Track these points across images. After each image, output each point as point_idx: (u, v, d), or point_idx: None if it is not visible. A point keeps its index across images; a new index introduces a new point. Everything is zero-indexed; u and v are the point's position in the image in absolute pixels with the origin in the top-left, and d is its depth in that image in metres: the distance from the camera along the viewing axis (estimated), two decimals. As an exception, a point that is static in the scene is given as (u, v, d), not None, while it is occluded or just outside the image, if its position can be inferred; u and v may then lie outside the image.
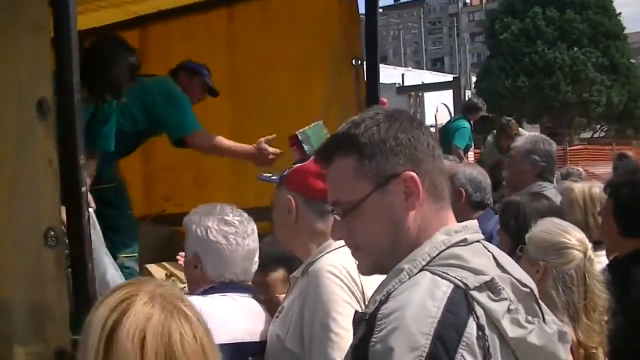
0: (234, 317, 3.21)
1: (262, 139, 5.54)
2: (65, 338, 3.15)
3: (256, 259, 3.44)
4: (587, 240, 3.45)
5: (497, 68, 39.68)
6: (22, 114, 3.14)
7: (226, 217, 3.35)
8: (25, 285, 3.16)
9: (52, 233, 3.12)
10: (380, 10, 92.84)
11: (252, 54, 6.46)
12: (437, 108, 31.86)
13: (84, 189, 3.15)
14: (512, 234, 3.99)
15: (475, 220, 2.24)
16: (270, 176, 3.33)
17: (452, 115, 22.51)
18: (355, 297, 2.91)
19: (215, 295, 3.23)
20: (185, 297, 1.87)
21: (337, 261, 2.96)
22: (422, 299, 1.92)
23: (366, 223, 2.15)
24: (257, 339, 3.23)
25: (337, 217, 2.23)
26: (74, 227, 3.17)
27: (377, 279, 2.98)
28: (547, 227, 3.48)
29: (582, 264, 3.36)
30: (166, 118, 5.75)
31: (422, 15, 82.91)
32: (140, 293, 1.74)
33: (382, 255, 2.17)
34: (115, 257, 3.75)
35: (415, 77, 42.03)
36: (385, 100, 24.26)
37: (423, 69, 63.29)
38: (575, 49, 39.30)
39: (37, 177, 3.12)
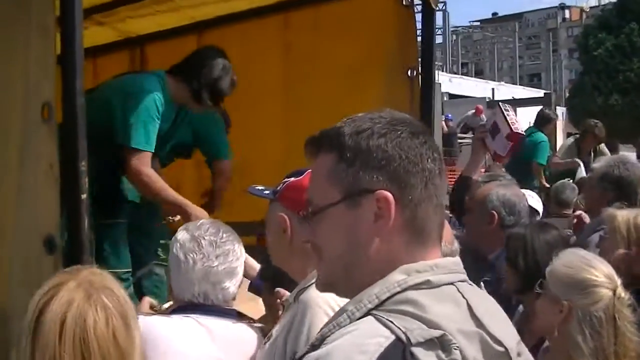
0: (190, 340, 3.01)
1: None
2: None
3: (227, 283, 3.19)
4: (616, 276, 3.04)
5: (590, 85, 38.85)
6: (28, 116, 3.09)
7: (196, 233, 3.15)
8: (23, 292, 3.09)
9: (52, 240, 3.05)
10: (478, 23, 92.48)
11: (306, 60, 6.39)
12: (530, 123, 31.42)
13: (84, 196, 3.06)
14: (520, 273, 3.65)
15: (455, 258, 1.89)
16: (263, 190, 3.10)
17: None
18: None
19: (175, 317, 3.04)
20: (115, 285, 2.01)
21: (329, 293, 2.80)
22: (351, 350, 1.62)
23: (327, 233, 1.84)
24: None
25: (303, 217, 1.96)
26: (73, 235, 3.09)
27: None
28: (570, 261, 3.09)
29: (612, 304, 2.97)
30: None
31: (517, 30, 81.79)
32: (70, 280, 1.92)
33: (335, 274, 1.87)
34: (145, 264, 3.64)
35: (507, 91, 41.60)
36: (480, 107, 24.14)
37: (516, 83, 62.55)
38: (673, 66, 38.31)
39: (39, 181, 3.07)
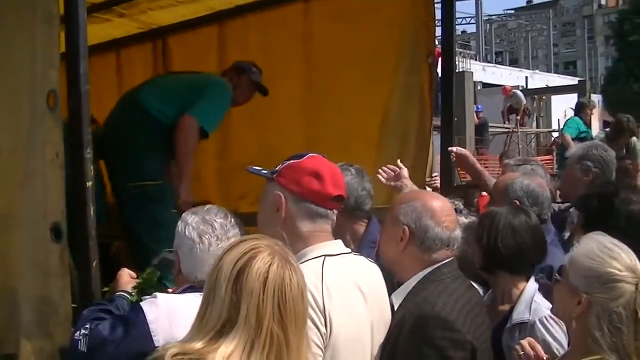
0: None
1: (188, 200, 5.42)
2: (69, 336, 3.08)
3: None
4: (639, 267, 2.87)
5: (625, 71, 38.38)
6: (34, 104, 3.10)
7: (206, 217, 3.20)
8: (31, 278, 3.12)
9: (58, 228, 3.06)
10: (512, 11, 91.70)
11: (327, 47, 6.38)
12: (565, 112, 31.15)
13: (89, 183, 3.06)
14: (483, 250, 3.67)
15: None
16: (261, 169, 3.11)
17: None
18: (313, 321, 2.72)
19: (190, 295, 3.04)
20: (291, 253, 2.39)
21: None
22: None
23: None
24: None
25: None
26: (79, 223, 3.09)
27: (348, 300, 2.85)
28: (592, 251, 2.90)
29: (633, 299, 2.81)
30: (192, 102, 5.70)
31: (551, 17, 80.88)
32: (262, 246, 2.28)
33: None
34: (157, 252, 3.66)
35: (541, 80, 41.22)
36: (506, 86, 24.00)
37: (551, 71, 61.98)
38: None
39: (46, 169, 3.08)
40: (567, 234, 4.85)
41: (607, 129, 11.97)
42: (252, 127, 6.75)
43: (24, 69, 3.13)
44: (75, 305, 3.17)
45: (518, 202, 4.21)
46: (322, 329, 2.75)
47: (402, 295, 3.10)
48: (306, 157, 3.01)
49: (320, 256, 2.88)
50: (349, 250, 3.05)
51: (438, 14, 6.05)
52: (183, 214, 3.28)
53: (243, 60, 6.25)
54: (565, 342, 3.39)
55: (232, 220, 3.24)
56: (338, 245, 3.01)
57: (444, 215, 3.18)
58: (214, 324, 2.21)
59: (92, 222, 3.09)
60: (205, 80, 5.95)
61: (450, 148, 5.31)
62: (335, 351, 2.79)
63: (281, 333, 2.21)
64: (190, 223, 3.18)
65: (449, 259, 3.17)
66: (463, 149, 5.15)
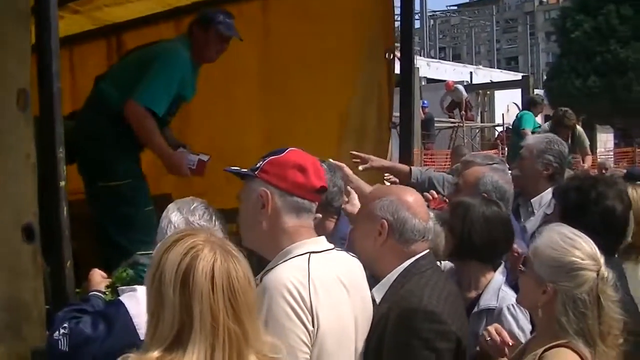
0: None
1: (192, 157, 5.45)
2: (42, 337, 3.05)
3: None
4: (599, 255, 3.03)
5: (568, 67, 38.79)
6: (3, 104, 3.04)
7: (190, 218, 3.19)
8: (1, 280, 3.06)
9: (30, 228, 3.02)
10: (455, 7, 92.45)
11: (286, 44, 6.38)
12: (508, 107, 31.51)
13: (62, 183, 3.02)
14: (455, 239, 3.77)
15: None
16: (240, 169, 3.08)
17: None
18: (301, 320, 2.73)
19: None
20: (230, 242, 2.34)
21: (289, 276, 2.78)
22: None
23: None
24: None
25: None
26: (52, 223, 3.05)
27: (334, 296, 2.85)
28: (555, 241, 3.04)
29: (595, 285, 2.97)
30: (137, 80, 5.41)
31: (494, 13, 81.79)
32: (201, 242, 2.23)
33: None
34: (130, 254, 3.61)
35: (485, 75, 41.65)
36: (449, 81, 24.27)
37: (494, 67, 62.60)
38: (651, 48, 38.33)
39: (17, 169, 3.02)
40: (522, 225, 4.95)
41: (548, 123, 12.17)
42: (210, 125, 6.71)
43: (-7, 68, 3.07)
44: (48, 307, 3.13)
45: (486, 196, 4.28)
46: (310, 327, 2.75)
47: (384, 289, 3.13)
48: (287, 151, 3.00)
49: (305, 253, 2.87)
50: (331, 246, 3.04)
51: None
52: (169, 207, 3.25)
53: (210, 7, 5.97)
54: (528, 330, 3.50)
55: (217, 223, 3.23)
56: (321, 242, 3.00)
57: (419, 207, 3.25)
58: (168, 332, 2.17)
59: (65, 222, 3.05)
60: (152, 56, 5.54)
61: (354, 154, 5.18)
62: (322, 348, 2.79)
63: (238, 328, 2.19)
64: (173, 222, 3.17)
65: (426, 251, 3.22)
66: (365, 155, 5.12)
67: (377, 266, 3.18)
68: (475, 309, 3.63)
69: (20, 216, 3.01)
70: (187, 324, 2.16)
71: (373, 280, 3.18)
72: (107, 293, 3.23)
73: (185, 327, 2.16)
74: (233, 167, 3.09)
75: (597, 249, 3.04)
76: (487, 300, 3.66)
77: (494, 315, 3.60)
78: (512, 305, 3.60)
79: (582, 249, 3.02)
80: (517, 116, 13.16)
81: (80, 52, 7.42)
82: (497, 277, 3.74)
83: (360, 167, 5.03)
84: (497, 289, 3.69)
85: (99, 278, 3.33)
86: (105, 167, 5.40)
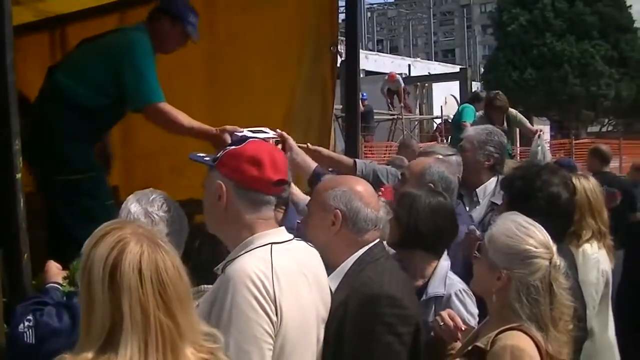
0: None
1: (229, 127, 4.97)
2: (0, 332, 3.03)
3: None
4: (551, 243, 3.13)
5: (505, 60, 39.24)
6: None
7: (149, 209, 3.21)
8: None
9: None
10: (392, 0, 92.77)
11: (230, 37, 6.37)
12: (446, 99, 31.73)
13: (18, 175, 3.02)
14: (402, 228, 3.85)
15: None
16: (204, 156, 3.10)
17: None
18: (265, 310, 2.76)
19: None
20: (159, 234, 2.34)
21: (253, 267, 2.80)
22: None
23: None
24: None
25: None
26: (7, 217, 3.04)
27: (296, 287, 2.88)
28: (509, 229, 3.15)
29: (548, 273, 3.07)
30: (126, 86, 5.21)
31: (431, 6, 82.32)
32: (129, 235, 2.19)
33: None
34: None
35: (423, 68, 41.89)
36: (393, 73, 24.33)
37: (431, 59, 63.00)
38: (585, 41, 38.92)
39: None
40: None
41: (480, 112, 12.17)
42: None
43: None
44: (5, 300, 3.12)
45: (432, 186, 4.36)
46: (274, 318, 2.77)
47: (338, 277, 3.18)
48: (246, 142, 3.01)
49: (267, 244, 2.90)
50: (291, 236, 3.07)
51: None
52: (128, 198, 3.26)
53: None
54: (476, 314, 3.64)
55: (176, 214, 3.25)
56: (282, 233, 3.03)
57: (370, 197, 3.32)
58: (100, 331, 2.13)
59: (22, 214, 3.04)
60: (123, 47, 5.29)
61: (302, 145, 5.05)
62: (285, 339, 2.82)
63: (170, 322, 2.16)
64: (132, 212, 3.18)
65: (378, 240, 3.29)
66: (315, 147, 5.11)
67: (330, 255, 3.22)
68: (424, 297, 3.71)
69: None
70: (118, 320, 2.12)
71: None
72: (64, 285, 3.22)
73: (117, 323, 2.12)
74: (198, 154, 3.10)
75: (549, 237, 3.15)
76: (435, 288, 3.76)
77: (442, 302, 3.71)
78: (460, 290, 3.73)
79: (536, 237, 3.13)
80: (458, 109, 13.14)
81: (21, 45, 7.30)
82: (443, 264, 3.85)
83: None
84: (443, 276, 3.80)
85: (55, 270, 3.32)
86: (63, 161, 5.22)
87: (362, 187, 3.34)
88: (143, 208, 3.20)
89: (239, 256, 2.88)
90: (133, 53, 5.21)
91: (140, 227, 2.29)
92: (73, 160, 5.26)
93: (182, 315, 2.19)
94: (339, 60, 6.16)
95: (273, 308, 2.77)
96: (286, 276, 2.85)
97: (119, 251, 2.16)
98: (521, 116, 11.41)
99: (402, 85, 28.68)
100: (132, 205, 3.22)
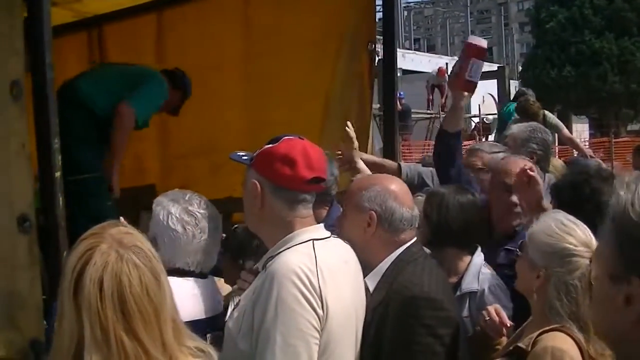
0: (186, 297, 3.07)
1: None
2: (39, 328, 3.06)
3: (214, 254, 3.31)
4: (594, 242, 3.00)
5: (543, 58, 38.91)
6: (-3, 95, 3.04)
7: (190, 207, 3.21)
8: (-2, 270, 3.07)
9: (25, 219, 3.02)
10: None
11: (267, 35, 6.36)
12: (483, 98, 31.54)
13: (57, 174, 3.03)
14: (432, 225, 3.85)
15: None
16: (242, 155, 3.08)
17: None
18: (311, 305, 2.75)
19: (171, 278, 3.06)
20: (143, 243, 2.14)
21: (298, 262, 2.79)
22: None
23: None
24: (210, 314, 3.19)
25: None
26: (47, 214, 3.06)
27: (338, 283, 2.86)
28: (549, 228, 3.09)
29: (588, 272, 2.95)
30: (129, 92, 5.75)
31: (468, 4, 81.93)
32: (101, 244, 2.06)
33: None
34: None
35: (460, 66, 41.63)
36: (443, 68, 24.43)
37: (469, 58, 62.55)
38: (624, 38, 38.49)
39: (10, 160, 3.02)
40: None
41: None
42: (193, 116, 6.70)
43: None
44: (45, 297, 3.13)
45: None
46: (320, 312, 2.75)
47: (377, 277, 3.15)
48: (280, 141, 2.98)
49: (308, 240, 2.89)
50: (329, 233, 3.06)
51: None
52: (161, 201, 3.26)
53: (182, 71, 6.24)
54: (511, 308, 3.59)
55: (213, 211, 3.29)
56: (321, 230, 3.02)
57: (405, 196, 3.28)
58: (68, 346, 2.03)
59: (61, 212, 3.05)
60: (142, 72, 5.90)
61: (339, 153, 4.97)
62: (330, 334, 2.80)
63: (132, 340, 2.02)
64: (173, 213, 3.18)
65: (415, 239, 3.26)
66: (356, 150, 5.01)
67: (367, 255, 3.19)
68: (458, 293, 3.69)
69: (15, 207, 3.02)
70: (81, 337, 2.01)
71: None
72: None
73: (81, 341, 2.01)
74: (237, 153, 3.09)
75: (592, 236, 3.05)
76: (469, 284, 3.76)
77: (476, 297, 3.71)
78: (493, 285, 3.74)
79: (576, 235, 3.06)
80: (504, 107, 13.11)
81: (60, 45, 7.35)
82: (476, 260, 3.84)
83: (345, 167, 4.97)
84: (476, 271, 3.80)
85: None
86: (73, 161, 5.29)
87: (396, 186, 3.30)
88: (183, 207, 3.21)
89: (279, 253, 2.87)
90: (154, 79, 5.89)
91: (122, 232, 2.15)
92: (80, 161, 5.51)
93: (148, 335, 2.04)
94: (377, 59, 6.15)
95: (319, 302, 2.76)
96: (330, 271, 2.83)
97: (85, 261, 2.04)
98: (556, 119, 11.28)
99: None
100: (171, 207, 3.22)
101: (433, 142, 5.13)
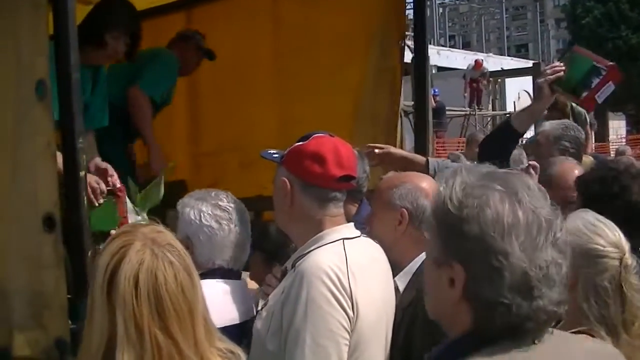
0: (225, 302, 3.11)
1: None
2: (64, 327, 3.05)
3: (248, 247, 3.32)
4: (624, 243, 2.92)
5: (579, 54, 38.76)
6: (21, 94, 3.04)
7: (220, 203, 3.23)
8: (23, 270, 3.07)
9: (51, 218, 3.02)
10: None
11: (297, 32, 6.34)
12: (519, 95, 31.36)
13: (82, 173, 3.03)
14: None
15: None
16: (273, 153, 3.07)
17: (534, 101, 22.06)
18: (341, 305, 2.72)
19: (206, 281, 3.04)
20: (175, 241, 2.16)
21: (328, 262, 2.76)
22: None
23: None
24: (244, 319, 3.19)
25: None
26: (72, 213, 3.05)
27: (368, 283, 2.83)
28: (577, 228, 2.95)
29: (617, 273, 2.87)
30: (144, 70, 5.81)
31: (503, 1, 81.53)
32: (135, 241, 2.07)
33: None
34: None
35: (496, 63, 41.46)
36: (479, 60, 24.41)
37: (504, 54, 62.30)
38: (662, 33, 38.11)
39: (36, 159, 3.02)
40: None
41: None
42: (223, 114, 6.71)
43: (9, 59, 3.07)
44: (70, 296, 3.13)
45: None
46: (350, 313, 2.73)
47: (407, 277, 3.13)
48: (311, 138, 2.96)
49: (338, 239, 2.87)
50: (359, 233, 3.03)
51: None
52: (188, 201, 3.26)
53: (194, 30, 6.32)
54: None
55: (242, 206, 3.31)
56: (352, 228, 2.99)
57: None
58: (97, 345, 2.03)
59: (85, 211, 3.05)
60: (147, 53, 5.82)
61: (370, 146, 4.83)
62: (360, 335, 2.78)
63: (167, 339, 2.02)
64: (204, 210, 3.19)
65: None
66: (384, 145, 4.91)
67: (397, 254, 3.16)
68: None
69: (40, 205, 3.02)
70: (113, 335, 2.01)
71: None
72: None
73: (112, 339, 2.01)
74: (269, 151, 3.08)
75: (622, 236, 2.95)
76: None
77: None
78: None
79: (605, 235, 2.94)
80: None
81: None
82: None
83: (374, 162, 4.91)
84: None
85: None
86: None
87: (427, 183, 3.26)
88: (213, 204, 3.22)
89: (309, 252, 2.85)
90: (161, 56, 6.03)
91: (155, 231, 2.16)
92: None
93: (182, 334, 2.05)
94: (410, 56, 6.12)
95: (349, 303, 2.73)
96: (360, 271, 2.80)
97: (119, 258, 2.06)
98: (587, 116, 11.13)
99: (487, 72, 28.59)
100: (201, 205, 3.22)
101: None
